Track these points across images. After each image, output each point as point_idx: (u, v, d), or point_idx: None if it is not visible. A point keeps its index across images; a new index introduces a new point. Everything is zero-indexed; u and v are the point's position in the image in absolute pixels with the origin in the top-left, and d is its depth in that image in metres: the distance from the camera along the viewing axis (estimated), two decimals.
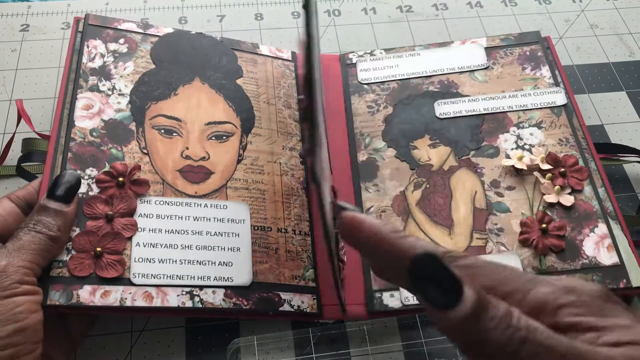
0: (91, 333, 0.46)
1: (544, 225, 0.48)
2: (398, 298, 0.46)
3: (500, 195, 0.50)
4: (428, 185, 0.52)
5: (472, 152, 0.53)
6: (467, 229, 0.49)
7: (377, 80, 0.58)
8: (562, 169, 0.50)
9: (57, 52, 0.62)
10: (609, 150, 0.56)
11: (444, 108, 0.56)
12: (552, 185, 0.50)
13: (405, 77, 0.58)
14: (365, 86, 0.58)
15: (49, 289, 0.40)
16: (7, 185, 0.53)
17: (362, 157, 0.54)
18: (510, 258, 0.47)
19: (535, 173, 0.51)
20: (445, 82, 0.58)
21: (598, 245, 0.47)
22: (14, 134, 0.53)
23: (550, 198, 0.49)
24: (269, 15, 0.68)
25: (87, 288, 0.40)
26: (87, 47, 0.51)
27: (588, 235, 0.48)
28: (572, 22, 0.68)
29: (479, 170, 0.52)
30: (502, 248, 0.48)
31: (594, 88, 0.62)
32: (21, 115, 0.52)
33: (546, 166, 0.51)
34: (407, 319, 0.47)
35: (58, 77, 0.60)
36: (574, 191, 0.50)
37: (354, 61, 0.60)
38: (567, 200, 0.49)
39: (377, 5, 0.70)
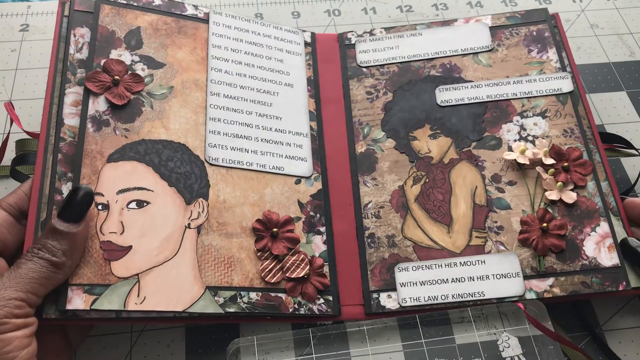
0: (91, 333, 0.46)
1: (544, 225, 0.47)
2: (395, 299, 0.46)
3: (501, 190, 0.49)
4: (427, 180, 0.51)
5: (474, 144, 0.52)
6: (466, 226, 0.48)
7: (377, 63, 0.56)
8: (566, 163, 0.49)
9: None
10: (612, 141, 0.54)
11: (446, 95, 0.54)
12: (555, 181, 0.49)
13: (406, 59, 0.56)
14: (365, 70, 0.56)
15: (44, 301, 0.40)
16: (6, 185, 0.52)
17: (360, 148, 0.53)
18: (509, 258, 0.47)
19: (538, 168, 0.49)
20: (448, 65, 0.55)
21: (599, 245, 0.46)
22: (8, 134, 0.52)
23: (552, 195, 0.48)
24: (269, 15, 0.66)
25: (81, 300, 0.40)
26: (74, 36, 0.48)
27: (589, 235, 0.47)
28: (572, 22, 0.66)
29: (480, 164, 0.51)
30: (502, 247, 0.47)
31: (594, 88, 0.61)
32: (10, 116, 0.50)
33: (549, 161, 0.49)
34: (407, 319, 0.47)
35: None
36: (576, 187, 0.49)
37: (352, 41, 0.58)
38: (570, 197, 0.48)
39: (377, 5, 0.67)
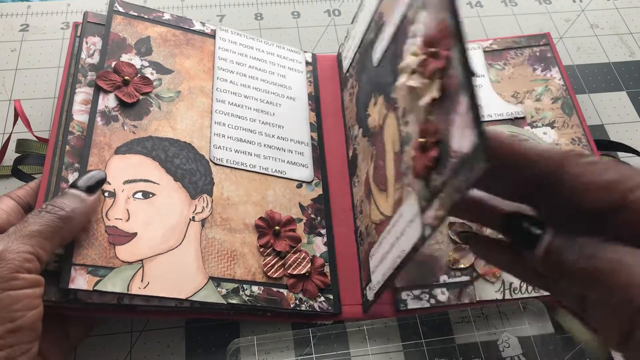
0: (91, 333, 0.46)
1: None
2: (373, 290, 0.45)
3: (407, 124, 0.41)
4: (375, 152, 0.47)
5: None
6: (392, 184, 0.42)
7: None
8: None
9: (56, 52, 0.62)
10: (609, 148, 0.56)
11: (378, 53, 0.47)
12: None
13: None
14: (349, 76, 0.56)
15: (44, 284, 0.39)
16: (6, 185, 0.53)
17: (350, 152, 0.53)
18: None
19: None
20: None
21: None
22: (11, 134, 0.53)
23: None
24: (269, 15, 0.68)
25: (84, 280, 0.40)
26: (86, 43, 0.51)
27: None
28: (572, 22, 0.68)
29: (397, 105, 0.42)
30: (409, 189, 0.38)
31: (594, 88, 0.62)
32: (19, 116, 0.52)
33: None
34: (407, 319, 0.47)
35: (58, 77, 0.60)
36: None
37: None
38: None
39: None
